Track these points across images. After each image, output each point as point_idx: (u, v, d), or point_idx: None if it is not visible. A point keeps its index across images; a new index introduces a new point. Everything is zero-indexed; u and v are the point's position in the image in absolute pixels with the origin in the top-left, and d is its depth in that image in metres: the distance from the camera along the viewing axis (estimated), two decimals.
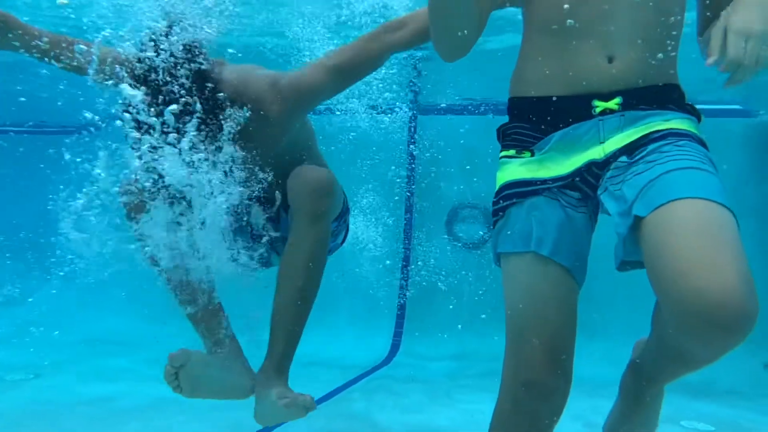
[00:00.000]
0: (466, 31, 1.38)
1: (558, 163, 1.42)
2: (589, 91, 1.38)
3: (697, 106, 1.46)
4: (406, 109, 5.86)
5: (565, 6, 1.38)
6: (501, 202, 1.47)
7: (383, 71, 4.46)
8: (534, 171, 1.44)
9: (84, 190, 1.61)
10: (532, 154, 1.46)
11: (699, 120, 1.44)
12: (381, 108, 5.39)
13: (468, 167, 5.62)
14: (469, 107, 5.85)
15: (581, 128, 1.40)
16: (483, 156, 5.38)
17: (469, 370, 4.62)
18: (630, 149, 1.36)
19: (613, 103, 1.37)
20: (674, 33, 1.38)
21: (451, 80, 5.39)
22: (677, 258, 1.11)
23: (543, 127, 1.44)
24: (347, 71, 1.79)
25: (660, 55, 1.37)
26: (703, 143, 1.37)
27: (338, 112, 5.07)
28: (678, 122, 1.37)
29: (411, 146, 5.86)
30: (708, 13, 1.43)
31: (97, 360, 4.55)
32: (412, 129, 5.93)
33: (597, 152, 1.39)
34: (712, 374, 4.40)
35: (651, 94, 1.38)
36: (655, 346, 1.49)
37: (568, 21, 1.38)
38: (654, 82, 1.38)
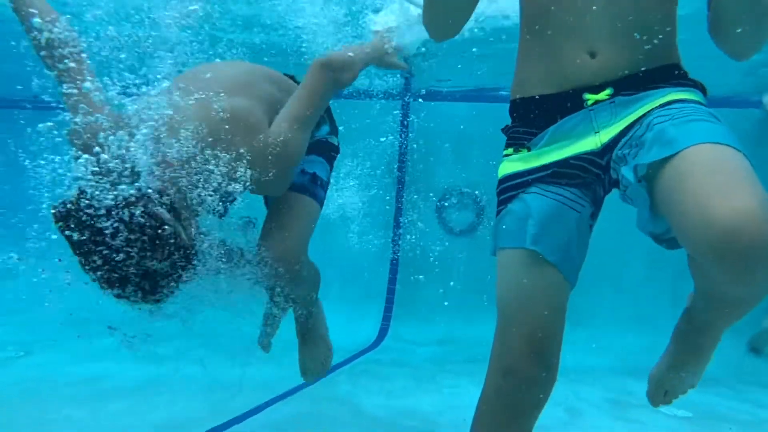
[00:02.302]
0: (459, 5, 1.42)
1: (553, 154, 1.45)
2: (578, 86, 1.40)
3: None
4: (398, 95, 5.85)
5: (537, 6, 1.44)
6: (500, 196, 1.52)
7: None
8: (530, 162, 1.47)
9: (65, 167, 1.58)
10: (529, 150, 1.49)
11: (704, 91, 1.45)
12: (374, 93, 5.37)
13: (459, 154, 5.63)
14: (463, 93, 5.85)
15: (573, 119, 1.42)
16: (475, 142, 5.43)
17: (455, 355, 4.66)
18: (631, 126, 1.37)
19: (604, 95, 1.39)
20: (662, 17, 1.38)
21: (444, 66, 5.37)
22: (690, 195, 1.10)
23: (538, 125, 1.47)
24: (316, 118, 1.89)
25: (647, 42, 1.37)
26: (703, 105, 1.37)
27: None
28: (674, 94, 1.37)
29: (402, 133, 5.85)
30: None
31: (87, 338, 4.54)
32: (405, 115, 5.91)
33: (593, 142, 1.40)
34: None
35: (643, 79, 1.39)
36: (698, 296, 1.50)
37: (548, 21, 1.41)
38: (645, 67, 1.39)
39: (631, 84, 1.38)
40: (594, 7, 1.35)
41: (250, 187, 1.72)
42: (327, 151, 2.12)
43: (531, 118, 1.49)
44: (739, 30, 1.29)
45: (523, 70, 1.51)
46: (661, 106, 1.35)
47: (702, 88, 1.46)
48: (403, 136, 5.85)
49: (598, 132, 1.40)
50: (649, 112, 1.35)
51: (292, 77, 2.10)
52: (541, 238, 1.40)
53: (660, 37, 1.38)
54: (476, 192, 5.67)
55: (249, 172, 1.65)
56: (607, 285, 4.79)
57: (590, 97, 1.40)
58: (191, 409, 3.11)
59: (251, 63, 2.05)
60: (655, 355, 5.40)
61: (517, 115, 1.54)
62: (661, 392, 1.70)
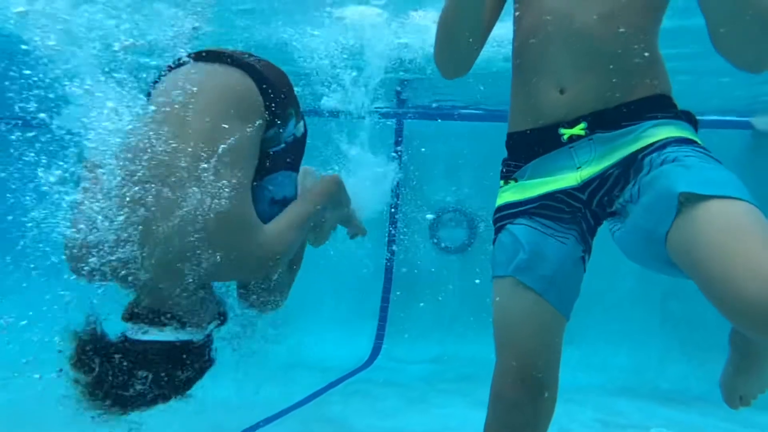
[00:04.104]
0: (471, 42, 1.47)
1: (536, 188, 1.49)
2: (553, 121, 1.44)
3: None
4: (392, 114, 5.90)
5: (516, 45, 1.50)
6: (494, 225, 1.57)
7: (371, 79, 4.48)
8: (517, 195, 1.52)
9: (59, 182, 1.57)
10: (516, 181, 1.54)
11: (692, 122, 1.44)
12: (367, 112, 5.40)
13: (453, 172, 5.67)
14: (455, 113, 5.92)
15: (555, 155, 1.46)
16: (468, 161, 5.47)
17: (447, 374, 4.65)
18: (619, 166, 1.38)
19: (579, 129, 1.41)
20: (634, 50, 1.37)
21: (436, 86, 5.44)
22: (713, 263, 1.10)
23: (523, 158, 1.53)
24: (312, 223, 1.87)
25: (617, 75, 1.38)
26: (689, 141, 1.35)
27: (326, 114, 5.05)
28: (663, 132, 1.37)
29: (396, 152, 5.89)
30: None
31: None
32: (398, 134, 5.97)
33: (574, 178, 1.43)
34: (682, 381, 4.50)
35: (618, 114, 1.40)
36: None
37: (526, 58, 1.48)
38: (620, 102, 1.40)
39: (606, 119, 1.40)
40: (558, 44, 1.40)
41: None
42: (295, 153, 1.93)
43: (518, 151, 1.55)
44: (723, 30, 1.25)
45: (512, 106, 1.57)
46: (654, 148, 1.34)
47: (690, 119, 1.44)
48: (396, 154, 5.89)
49: (580, 167, 1.43)
50: (641, 152, 1.36)
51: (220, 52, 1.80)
52: (525, 267, 1.43)
53: (633, 69, 1.38)
54: (469, 210, 5.71)
55: (240, 271, 1.64)
56: (596, 304, 4.82)
57: (565, 132, 1.43)
58: (185, 429, 3.08)
59: (208, 80, 1.70)
60: (645, 374, 5.38)
61: (509, 149, 1.59)
62: (736, 397, 1.66)
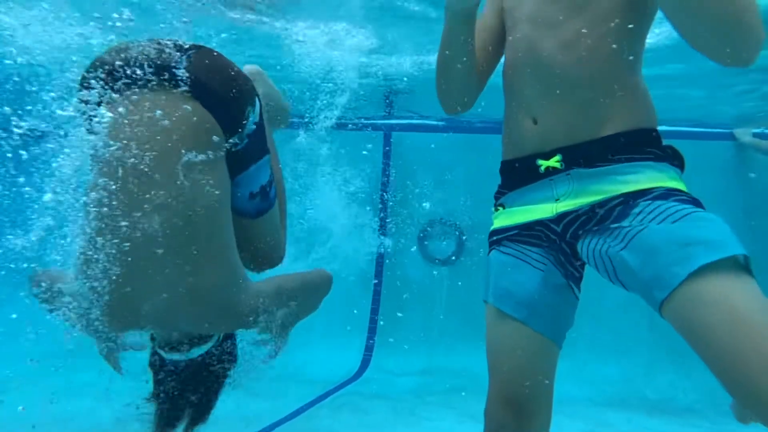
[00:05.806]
0: (467, 81, 1.54)
1: (517, 216, 1.52)
2: (532, 152, 1.45)
3: None
4: (381, 126, 5.93)
5: (503, 74, 1.54)
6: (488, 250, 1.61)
7: (360, 91, 4.50)
8: (504, 221, 1.56)
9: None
10: (504, 208, 1.58)
11: (674, 159, 1.40)
12: (355, 124, 5.43)
13: (441, 184, 5.69)
14: (443, 125, 5.95)
15: (536, 186, 1.46)
16: (455, 173, 5.49)
17: (436, 386, 4.63)
18: (595, 213, 1.35)
19: (554, 161, 1.41)
20: (608, 82, 1.34)
21: (425, 98, 5.47)
22: (722, 352, 1.10)
23: (509, 186, 1.56)
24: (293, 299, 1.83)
25: (590, 108, 1.36)
26: (675, 191, 1.32)
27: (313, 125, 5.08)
28: (647, 179, 1.33)
29: (385, 164, 5.92)
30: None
31: (62, 375, 4.40)
32: (386, 146, 5.99)
33: (550, 210, 1.42)
34: (670, 392, 4.52)
35: (592, 150, 1.37)
36: None
37: (508, 89, 1.52)
38: (594, 135, 1.36)
39: (580, 153, 1.37)
40: (528, 73, 1.42)
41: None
42: (259, 139, 1.75)
43: (507, 179, 1.58)
44: (690, 23, 1.16)
45: (503, 134, 1.60)
46: (646, 197, 1.30)
47: (673, 157, 1.40)
48: (384, 166, 5.91)
49: (558, 200, 1.41)
50: (625, 198, 1.32)
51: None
52: (501, 293, 1.47)
53: (606, 99, 1.35)
54: (457, 221, 5.73)
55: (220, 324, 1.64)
56: (585, 316, 4.83)
57: (542, 163, 1.42)
58: None
59: (161, 123, 1.51)
60: (633, 385, 5.36)
61: (501, 176, 1.62)
62: (747, 414, 1.67)
